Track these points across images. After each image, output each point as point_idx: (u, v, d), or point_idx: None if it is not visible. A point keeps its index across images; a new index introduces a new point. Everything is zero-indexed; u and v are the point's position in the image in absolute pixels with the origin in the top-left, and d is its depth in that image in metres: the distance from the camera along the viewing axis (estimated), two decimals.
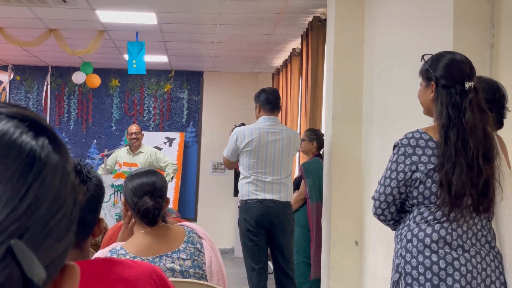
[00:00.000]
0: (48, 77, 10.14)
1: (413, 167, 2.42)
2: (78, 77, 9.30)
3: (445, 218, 2.38)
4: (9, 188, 0.52)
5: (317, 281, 5.25)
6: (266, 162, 4.92)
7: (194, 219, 10.10)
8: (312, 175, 5.44)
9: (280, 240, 4.95)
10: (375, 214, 2.56)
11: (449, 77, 2.42)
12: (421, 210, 2.44)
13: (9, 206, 0.52)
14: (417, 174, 2.42)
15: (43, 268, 0.54)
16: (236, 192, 5.25)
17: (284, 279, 5.03)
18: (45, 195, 0.55)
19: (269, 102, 5.02)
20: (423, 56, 2.54)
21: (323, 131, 5.63)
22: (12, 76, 10.09)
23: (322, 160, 5.22)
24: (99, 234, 1.74)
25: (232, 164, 5.18)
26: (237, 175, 5.78)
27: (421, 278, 2.35)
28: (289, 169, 5.03)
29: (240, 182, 5.02)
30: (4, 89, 10.08)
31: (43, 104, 10.11)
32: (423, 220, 2.42)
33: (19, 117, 0.57)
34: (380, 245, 4.03)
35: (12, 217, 0.52)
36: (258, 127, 4.98)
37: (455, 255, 2.35)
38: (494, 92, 2.66)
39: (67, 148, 0.61)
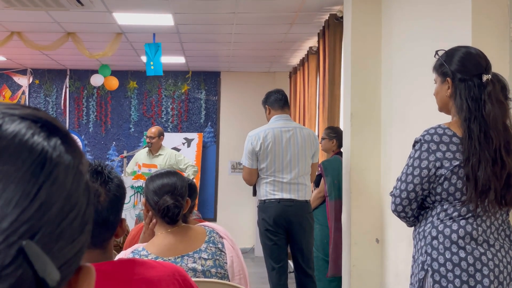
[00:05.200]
0: (67, 80, 10.22)
1: (438, 164, 2.39)
2: (96, 80, 9.36)
3: (470, 214, 2.36)
4: (19, 189, 0.52)
5: (336, 279, 5.24)
6: (283, 162, 4.91)
7: (213, 219, 10.12)
8: (331, 173, 5.42)
9: (299, 239, 4.94)
10: (394, 211, 2.53)
11: (465, 71, 2.40)
12: (444, 206, 2.41)
13: (20, 207, 0.51)
14: (442, 171, 2.38)
15: (57, 269, 0.53)
16: (254, 193, 5.23)
17: (303, 277, 5.02)
18: (56, 195, 0.54)
19: (278, 99, 5.08)
20: (436, 51, 2.53)
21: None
22: (31, 80, 10.19)
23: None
24: (122, 234, 1.75)
25: (253, 175, 4.99)
26: None
27: (450, 275, 2.33)
28: (306, 168, 5.01)
29: (258, 183, 5.02)
30: (23, 93, 10.18)
31: (62, 107, 10.19)
32: (447, 217, 2.39)
33: (32, 118, 0.57)
34: (401, 242, 4.01)
35: (22, 218, 0.51)
36: (271, 127, 4.98)
37: (482, 250, 2.34)
38: None
39: (81, 149, 0.61)
